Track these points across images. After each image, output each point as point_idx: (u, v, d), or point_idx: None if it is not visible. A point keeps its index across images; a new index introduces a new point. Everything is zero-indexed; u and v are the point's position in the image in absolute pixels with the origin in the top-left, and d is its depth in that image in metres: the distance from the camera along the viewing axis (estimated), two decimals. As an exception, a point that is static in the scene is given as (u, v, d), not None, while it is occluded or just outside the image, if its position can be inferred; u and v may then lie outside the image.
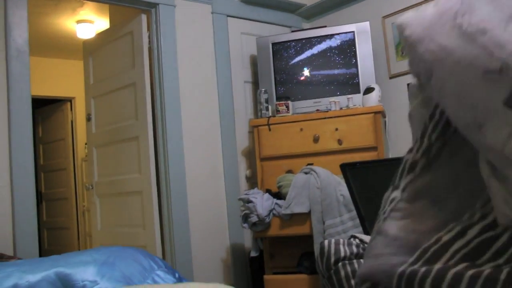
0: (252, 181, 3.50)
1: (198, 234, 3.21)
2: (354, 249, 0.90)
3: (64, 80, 5.70)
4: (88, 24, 4.68)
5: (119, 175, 3.44)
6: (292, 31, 3.69)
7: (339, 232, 2.52)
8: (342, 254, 0.89)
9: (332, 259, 0.88)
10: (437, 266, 0.52)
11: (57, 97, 5.80)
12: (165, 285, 1.32)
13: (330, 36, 3.34)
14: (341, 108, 3.16)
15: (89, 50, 3.77)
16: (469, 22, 0.50)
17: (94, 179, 3.67)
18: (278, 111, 3.24)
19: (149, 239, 3.16)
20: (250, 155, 3.54)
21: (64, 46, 5.33)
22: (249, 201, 2.75)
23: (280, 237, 2.82)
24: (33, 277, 1.32)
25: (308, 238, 2.64)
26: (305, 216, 2.66)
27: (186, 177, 3.20)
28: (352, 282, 0.84)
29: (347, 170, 1.57)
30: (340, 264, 0.87)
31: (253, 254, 2.89)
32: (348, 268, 0.87)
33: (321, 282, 0.92)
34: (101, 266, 1.44)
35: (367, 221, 1.50)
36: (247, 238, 3.38)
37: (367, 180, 1.61)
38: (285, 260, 2.87)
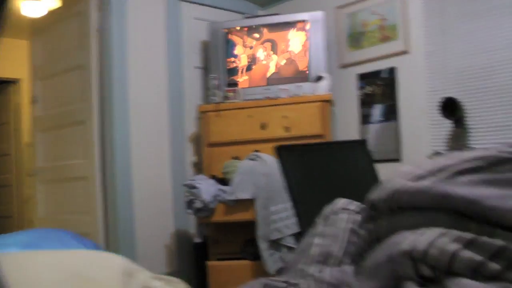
0: (198, 167, 3.46)
1: (143, 221, 3.14)
2: None
3: (9, 60, 5.43)
4: (35, 1, 4.46)
5: (64, 161, 3.33)
6: (245, 18, 3.65)
7: (283, 218, 2.53)
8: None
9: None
10: None
11: (1, 79, 5.52)
12: (70, 251, 1.26)
13: (283, 24, 3.33)
14: (290, 96, 3.16)
15: (37, 29, 3.61)
16: None
17: (38, 165, 3.53)
18: (227, 98, 3.21)
19: (93, 225, 3.08)
20: (197, 141, 3.50)
21: (9, 24, 5.08)
22: (194, 187, 2.71)
23: (225, 223, 2.80)
24: None
25: (252, 224, 2.64)
26: (250, 202, 2.65)
27: (132, 163, 3.12)
28: None
29: (283, 152, 1.56)
30: None
31: (198, 240, 2.87)
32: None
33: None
34: (24, 248, 1.38)
35: (301, 203, 1.50)
36: (192, 224, 3.35)
37: (303, 163, 1.61)
38: (229, 246, 2.86)
